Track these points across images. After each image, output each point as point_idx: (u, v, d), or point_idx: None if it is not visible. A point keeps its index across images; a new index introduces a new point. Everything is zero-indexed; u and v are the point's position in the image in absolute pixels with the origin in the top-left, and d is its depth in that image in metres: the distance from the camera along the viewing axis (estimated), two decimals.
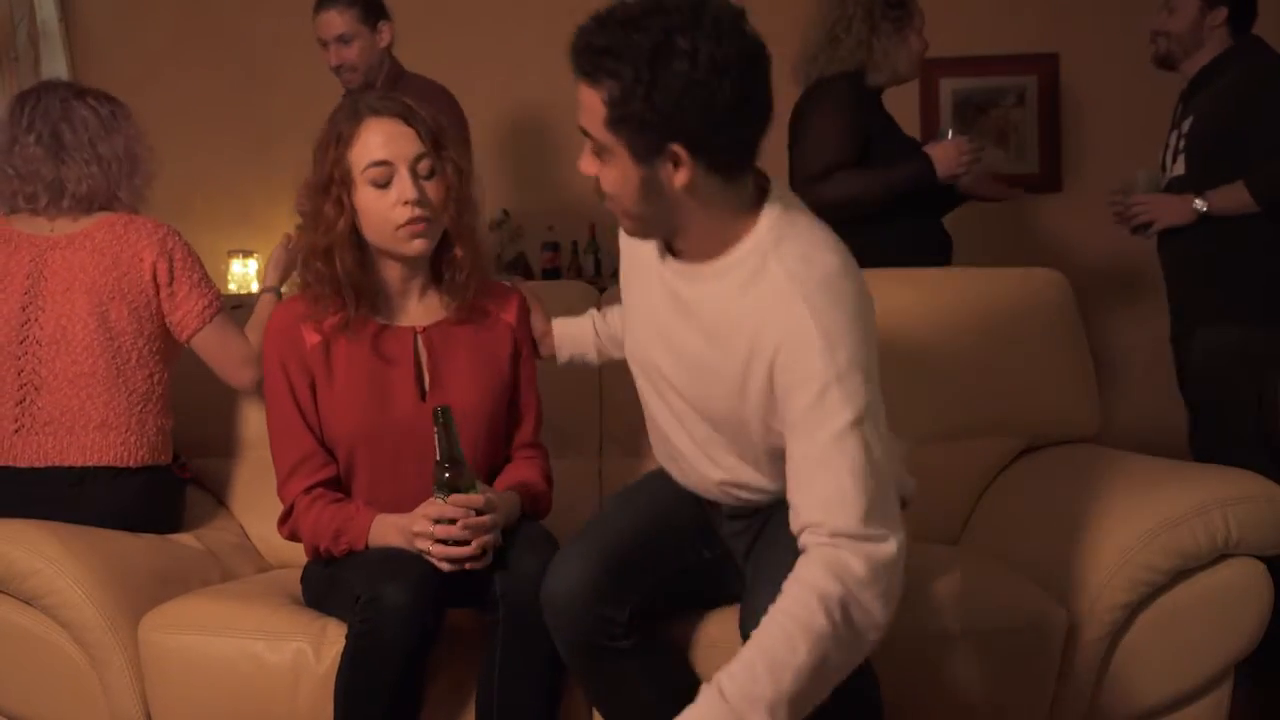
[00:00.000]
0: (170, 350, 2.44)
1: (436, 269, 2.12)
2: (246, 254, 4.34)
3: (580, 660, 1.88)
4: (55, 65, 4.21)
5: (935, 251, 3.19)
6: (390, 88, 3.24)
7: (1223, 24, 3.07)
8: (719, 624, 2.01)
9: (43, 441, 2.31)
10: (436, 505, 1.91)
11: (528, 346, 2.20)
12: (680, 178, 1.59)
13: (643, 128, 1.56)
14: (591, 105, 1.58)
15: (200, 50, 4.34)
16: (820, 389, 1.57)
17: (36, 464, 2.30)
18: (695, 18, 1.53)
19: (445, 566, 1.92)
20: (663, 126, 1.55)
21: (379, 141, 1.99)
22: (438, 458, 1.91)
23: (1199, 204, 3.01)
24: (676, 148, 1.57)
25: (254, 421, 2.69)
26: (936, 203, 3.25)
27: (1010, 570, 2.25)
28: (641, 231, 1.73)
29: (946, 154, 3.06)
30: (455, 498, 1.90)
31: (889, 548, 1.56)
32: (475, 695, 1.98)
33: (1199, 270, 3.09)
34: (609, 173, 1.63)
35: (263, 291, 2.59)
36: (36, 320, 2.33)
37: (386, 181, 1.98)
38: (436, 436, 1.89)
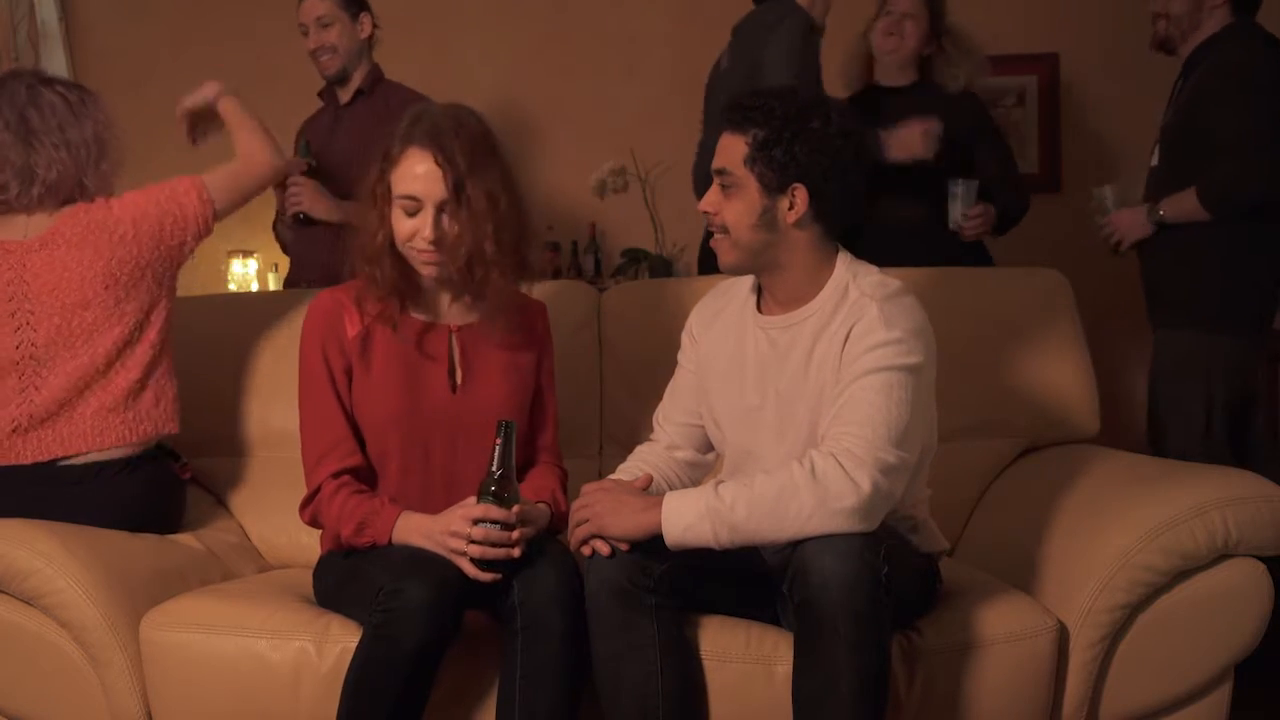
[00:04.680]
0: (171, 309, 2.45)
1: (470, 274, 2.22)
2: (247, 254, 4.33)
3: (606, 604, 1.91)
4: (55, 65, 4.21)
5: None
6: (370, 90, 3.27)
7: (1223, 5, 2.99)
8: (737, 638, 2.01)
9: (44, 436, 2.31)
10: (478, 507, 1.96)
11: (549, 355, 2.31)
12: (793, 214, 1.98)
13: (778, 166, 1.96)
14: (734, 148, 2.00)
15: (200, 50, 4.34)
16: (875, 344, 1.92)
17: (40, 459, 2.30)
18: (825, 100, 2.08)
19: (470, 569, 1.95)
20: (793, 167, 1.96)
21: (415, 174, 2.09)
22: (491, 467, 1.98)
23: (1155, 214, 3.00)
24: (798, 187, 1.96)
25: (254, 422, 2.70)
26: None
27: (1004, 577, 2.25)
28: (744, 263, 2.05)
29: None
30: (494, 509, 1.96)
31: (888, 457, 1.85)
32: (493, 704, 1.98)
33: (1162, 273, 3.08)
34: (734, 205, 2.00)
35: (218, 99, 2.62)
36: (29, 324, 2.33)
37: (415, 212, 2.10)
38: (496, 447, 1.97)
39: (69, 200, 2.39)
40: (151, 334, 2.39)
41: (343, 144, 3.21)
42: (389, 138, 2.14)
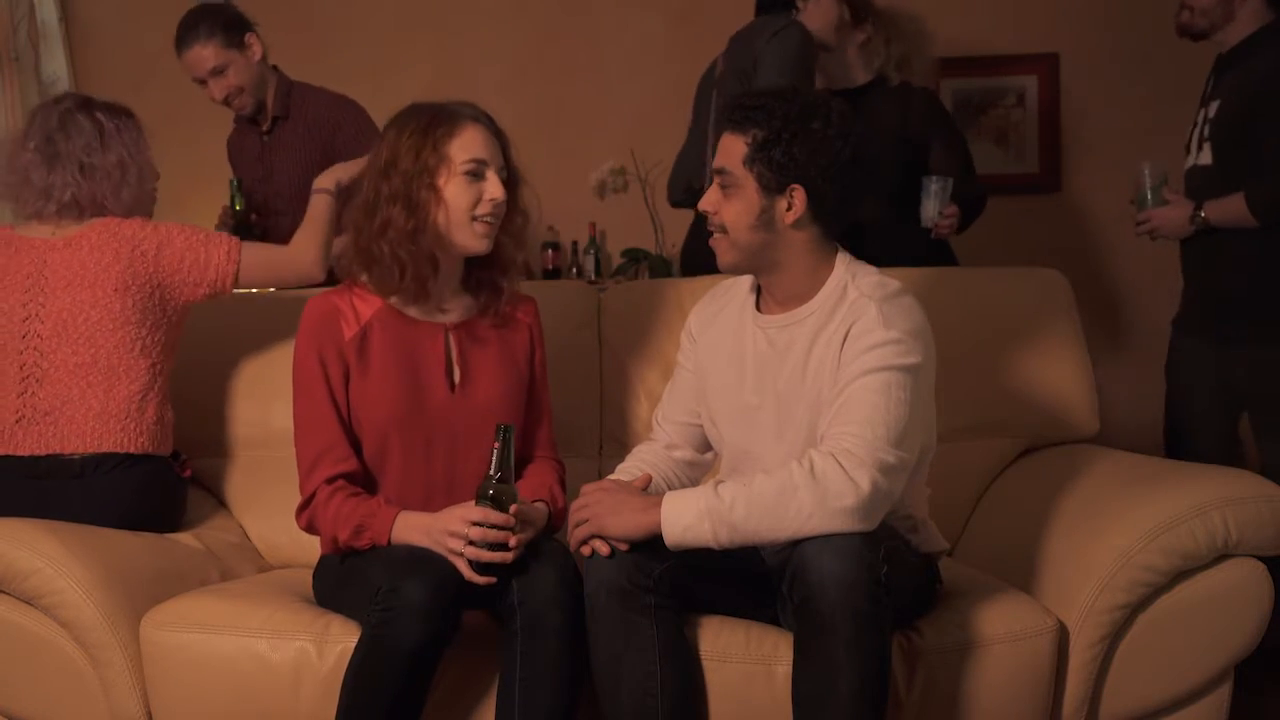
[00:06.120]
0: (174, 342, 2.49)
1: (469, 274, 2.23)
2: None
3: (605, 604, 1.91)
4: (55, 65, 4.22)
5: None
6: (284, 100, 3.18)
7: None
8: (737, 638, 2.01)
9: (44, 430, 2.34)
10: (477, 510, 1.96)
11: (542, 349, 2.31)
12: (791, 215, 1.98)
13: (776, 167, 1.96)
14: (733, 148, 2.00)
15: None
16: (874, 344, 1.92)
17: (38, 453, 2.33)
18: (827, 101, 2.02)
19: (467, 571, 1.95)
20: (792, 168, 1.96)
21: (479, 141, 2.13)
22: (489, 470, 1.98)
23: (1198, 216, 2.85)
24: (796, 188, 1.96)
25: (255, 421, 2.70)
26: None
27: (1004, 577, 2.25)
28: (743, 263, 2.05)
29: None
30: (492, 513, 1.96)
31: (888, 457, 1.86)
32: (493, 704, 1.97)
33: (1243, 283, 2.86)
34: (732, 205, 2.01)
35: (317, 192, 2.64)
36: (38, 315, 2.38)
37: (480, 175, 2.12)
38: (494, 450, 1.98)
39: (94, 215, 2.46)
40: (152, 353, 2.42)
41: (283, 174, 3.17)
42: (426, 117, 2.12)
